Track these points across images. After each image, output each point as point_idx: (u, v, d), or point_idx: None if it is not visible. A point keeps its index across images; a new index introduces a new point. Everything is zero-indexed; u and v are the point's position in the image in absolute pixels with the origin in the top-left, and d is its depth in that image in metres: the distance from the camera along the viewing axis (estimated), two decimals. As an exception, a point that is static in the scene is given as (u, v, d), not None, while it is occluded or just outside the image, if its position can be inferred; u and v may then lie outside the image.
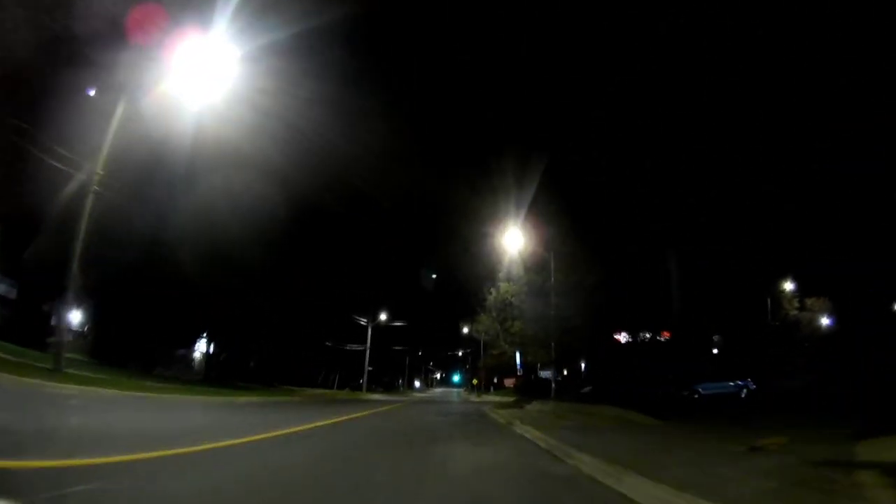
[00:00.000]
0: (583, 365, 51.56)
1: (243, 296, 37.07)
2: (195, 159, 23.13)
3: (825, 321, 49.79)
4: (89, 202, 16.52)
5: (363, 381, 48.58)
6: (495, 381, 65.50)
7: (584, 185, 26.45)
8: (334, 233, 44.85)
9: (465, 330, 60.05)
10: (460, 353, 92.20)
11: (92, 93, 20.55)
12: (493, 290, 26.21)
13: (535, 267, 25.60)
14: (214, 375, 38.27)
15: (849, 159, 26.88)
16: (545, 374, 55.66)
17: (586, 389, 29.73)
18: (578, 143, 27.66)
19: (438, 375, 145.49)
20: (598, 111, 28.40)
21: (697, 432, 10.82)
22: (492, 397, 46.29)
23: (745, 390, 24.62)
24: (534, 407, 20.05)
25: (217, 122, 21.36)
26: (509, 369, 55.28)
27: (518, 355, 22.27)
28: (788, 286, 49.02)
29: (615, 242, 25.85)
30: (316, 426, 10.95)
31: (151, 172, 22.71)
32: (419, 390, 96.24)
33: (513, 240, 24.92)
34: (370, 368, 49.46)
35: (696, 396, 24.06)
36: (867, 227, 31.00)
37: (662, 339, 47.63)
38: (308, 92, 31.24)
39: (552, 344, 25.25)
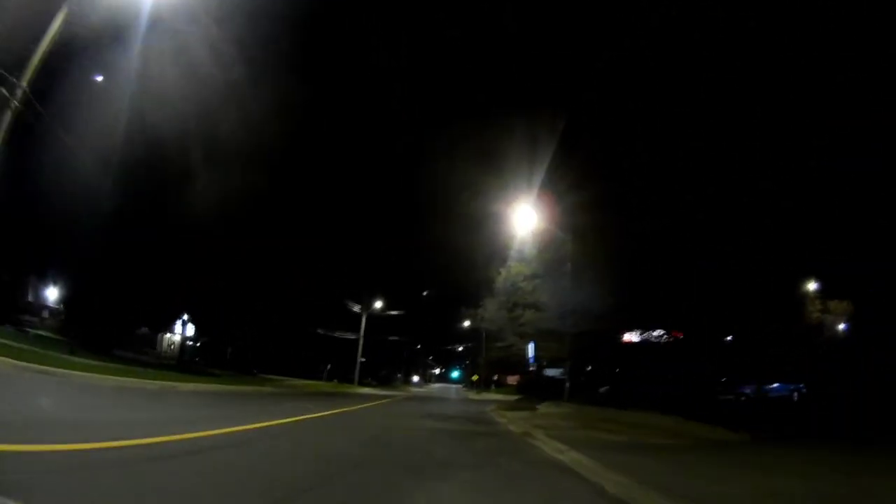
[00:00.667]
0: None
1: (224, 276, 33.79)
2: (161, 94, 19.17)
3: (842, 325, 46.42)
4: (7, 120, 12.76)
5: (356, 373, 44.87)
6: (495, 378, 61.57)
7: (610, 150, 22.51)
8: (328, 212, 41.28)
9: (467, 323, 56.42)
10: (460, 349, 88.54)
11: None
12: (502, 269, 22.25)
13: (551, 247, 21.88)
14: (187, 360, 34.82)
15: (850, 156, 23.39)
16: (551, 372, 51.78)
17: (604, 389, 26.41)
18: (602, 97, 23.49)
19: (437, 371, 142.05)
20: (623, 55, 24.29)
21: (856, 461, 7.07)
22: (493, 395, 42.57)
23: (796, 393, 20.99)
24: (547, 409, 16.44)
25: (185, 48, 17.68)
26: (512, 366, 51.55)
27: (531, 348, 18.52)
28: (812, 286, 45.36)
29: (643, 222, 22.01)
30: (249, 429, 7.37)
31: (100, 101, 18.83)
32: (417, 385, 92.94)
33: (525, 217, 21.11)
34: (363, 360, 45.75)
35: (743, 399, 20.48)
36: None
37: (671, 339, 44.80)
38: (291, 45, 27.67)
39: (568, 337, 21.60)
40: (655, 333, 44.85)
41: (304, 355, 42.95)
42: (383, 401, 23.96)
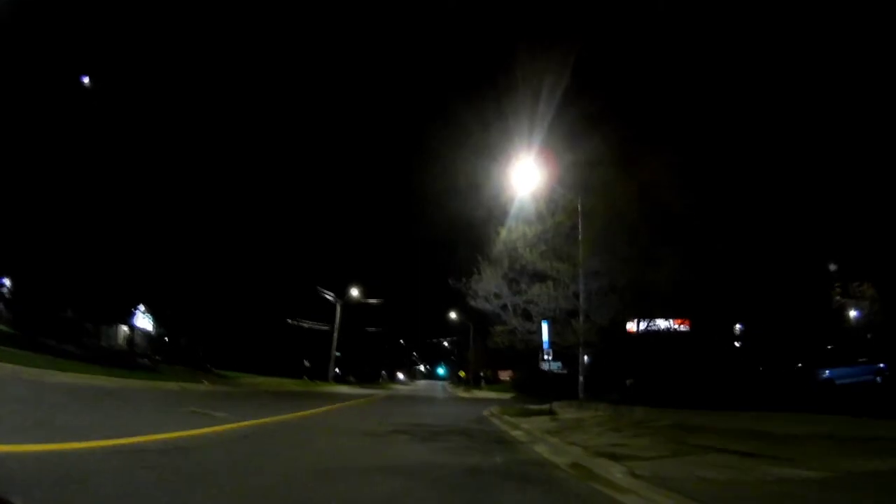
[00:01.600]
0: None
1: (180, 259, 29.35)
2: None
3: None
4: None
5: (334, 369, 40.17)
6: (482, 374, 56.45)
7: (626, 100, 18.17)
8: (299, 187, 36.65)
9: (453, 315, 51.94)
10: (446, 343, 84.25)
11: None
12: (500, 229, 17.67)
13: (559, 208, 17.56)
14: (131, 353, 29.97)
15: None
16: (548, 366, 47.20)
17: (629, 382, 22.79)
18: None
19: (423, 367, 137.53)
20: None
21: None
22: (484, 393, 38.21)
23: (878, 376, 16.99)
24: (571, 414, 12.18)
25: None
26: (506, 359, 47.17)
27: (545, 328, 14.11)
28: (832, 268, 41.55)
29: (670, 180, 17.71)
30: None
31: None
32: (402, 382, 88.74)
33: (527, 174, 16.74)
34: (338, 354, 41.13)
35: (836, 384, 16.45)
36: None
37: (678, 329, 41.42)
38: None
39: (580, 319, 17.35)
40: (661, 323, 40.98)
41: (277, 350, 38.21)
42: (354, 402, 19.57)
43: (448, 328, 58.68)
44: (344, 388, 34.44)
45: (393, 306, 51.81)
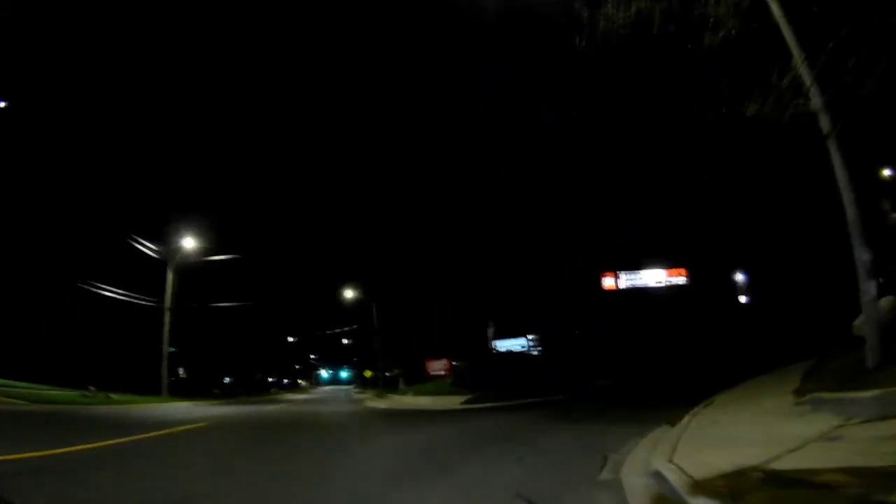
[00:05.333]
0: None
1: None
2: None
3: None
4: None
5: (163, 372, 24.86)
6: (387, 374, 42.03)
7: None
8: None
9: (348, 294, 38.34)
10: (345, 341, 70.04)
11: None
12: None
13: None
14: None
15: None
16: (506, 344, 34.75)
17: (602, 383, 21.79)
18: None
19: (324, 372, 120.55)
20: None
21: None
22: (412, 400, 24.88)
23: None
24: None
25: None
26: (433, 347, 34.37)
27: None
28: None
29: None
30: None
31: None
32: (300, 390, 74.32)
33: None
34: (173, 349, 25.94)
35: None
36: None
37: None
38: None
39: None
40: (653, 277, 32.37)
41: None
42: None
43: (344, 314, 45.10)
44: (184, 405, 20.09)
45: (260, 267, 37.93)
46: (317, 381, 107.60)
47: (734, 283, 35.28)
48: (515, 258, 33.32)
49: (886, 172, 28.40)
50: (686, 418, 7.86)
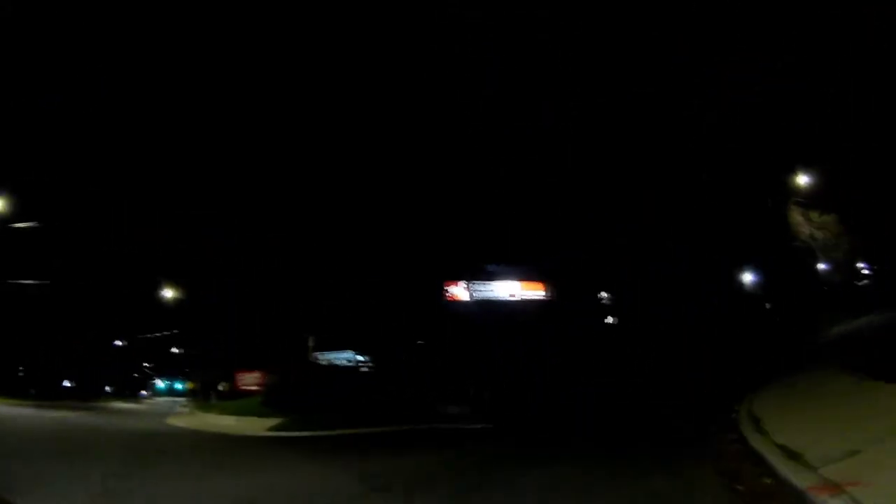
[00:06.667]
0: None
1: None
2: None
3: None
4: None
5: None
6: (220, 388, 37.77)
7: None
8: None
9: (168, 294, 35.15)
10: (175, 350, 64.20)
11: None
12: None
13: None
14: None
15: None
16: (328, 357, 30.53)
17: (486, 395, 19.80)
18: None
19: (160, 383, 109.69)
20: None
21: None
22: (214, 419, 22.95)
23: None
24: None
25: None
26: (249, 357, 31.81)
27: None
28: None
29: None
30: None
31: None
32: (138, 399, 67.59)
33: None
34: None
35: None
36: None
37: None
38: None
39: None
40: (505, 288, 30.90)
41: None
42: None
43: (167, 316, 41.10)
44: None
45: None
46: (153, 392, 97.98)
47: (600, 301, 34.29)
48: (346, 261, 31.94)
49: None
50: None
